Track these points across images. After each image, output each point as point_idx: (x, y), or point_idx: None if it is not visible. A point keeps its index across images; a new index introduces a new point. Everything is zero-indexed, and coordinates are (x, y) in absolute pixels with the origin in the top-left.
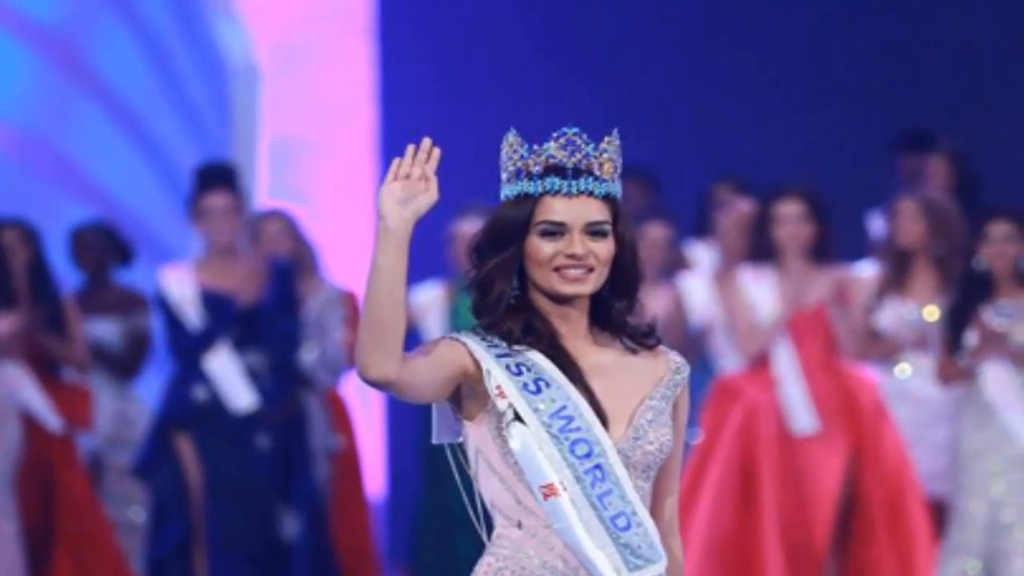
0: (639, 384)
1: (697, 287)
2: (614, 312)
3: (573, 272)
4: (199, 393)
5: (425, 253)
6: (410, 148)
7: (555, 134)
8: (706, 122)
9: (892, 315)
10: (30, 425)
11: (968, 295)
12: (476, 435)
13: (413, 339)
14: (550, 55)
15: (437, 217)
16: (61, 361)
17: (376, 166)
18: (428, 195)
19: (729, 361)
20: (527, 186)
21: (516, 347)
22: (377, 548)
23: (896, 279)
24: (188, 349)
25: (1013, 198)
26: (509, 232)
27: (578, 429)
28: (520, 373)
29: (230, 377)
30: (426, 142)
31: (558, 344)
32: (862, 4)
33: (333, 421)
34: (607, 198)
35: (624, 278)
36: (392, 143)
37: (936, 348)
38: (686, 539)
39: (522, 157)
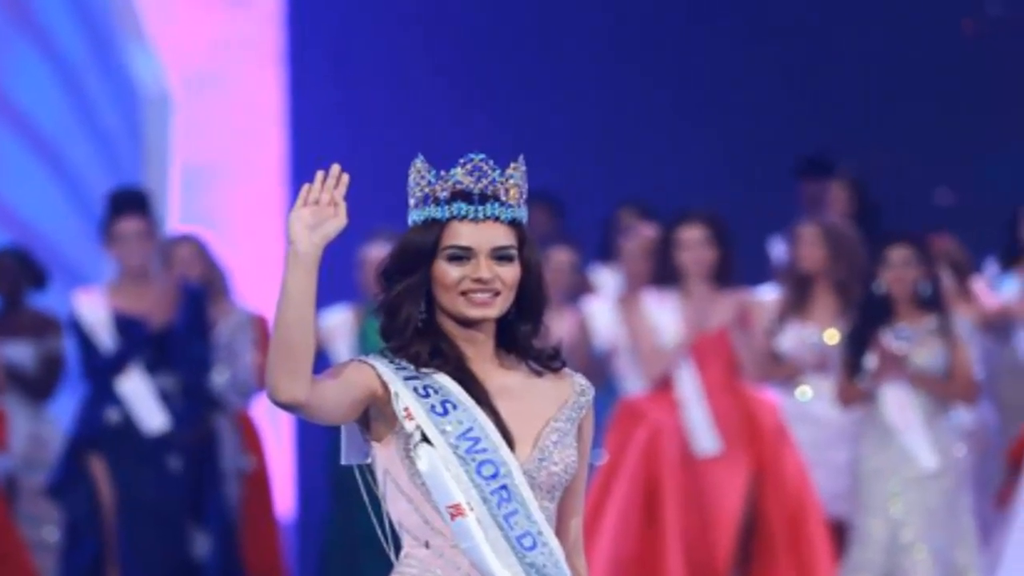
0: (544, 406)
1: (601, 311)
2: (520, 335)
3: (480, 296)
4: (112, 415)
5: (334, 277)
6: (319, 174)
7: (462, 160)
8: (610, 148)
9: (793, 338)
10: None
11: (868, 318)
12: (384, 456)
13: (322, 362)
14: (457, 83)
15: (346, 242)
16: None
17: (286, 192)
18: (337, 220)
19: (633, 383)
20: (434, 211)
21: (424, 370)
22: (286, 567)
23: (797, 303)
24: (101, 371)
25: (912, 223)
26: (417, 257)
27: (484, 450)
28: (428, 395)
29: (142, 399)
30: (335, 168)
31: (465, 367)
32: (762, 33)
33: (243, 442)
34: (513, 223)
35: (530, 302)
36: (301, 169)
37: (836, 371)
38: (591, 558)
39: (429, 183)
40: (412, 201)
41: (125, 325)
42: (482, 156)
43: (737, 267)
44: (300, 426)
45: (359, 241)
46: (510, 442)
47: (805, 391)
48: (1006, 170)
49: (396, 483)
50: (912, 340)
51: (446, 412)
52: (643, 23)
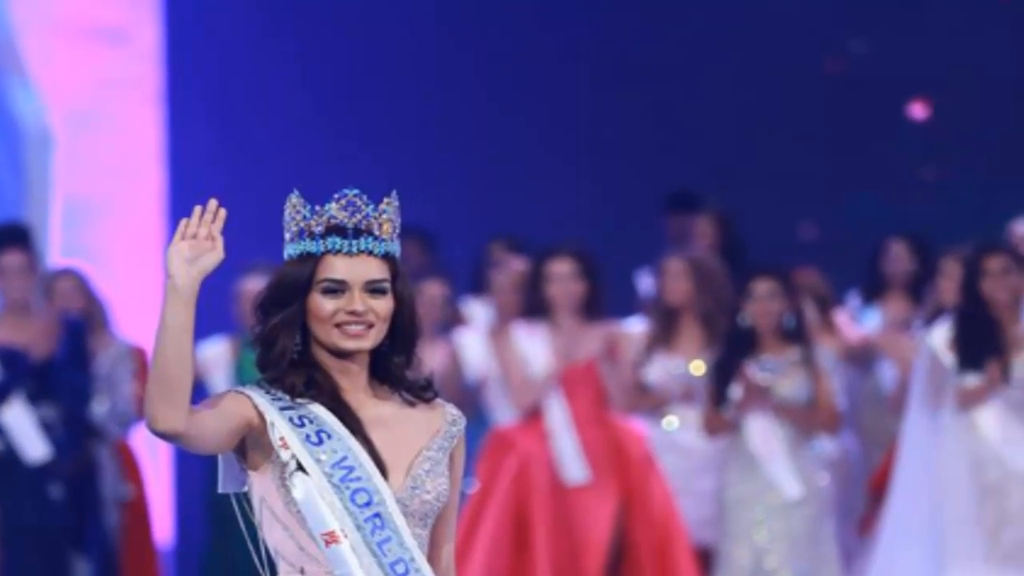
0: (417, 436)
1: (473, 342)
2: (393, 366)
3: (354, 328)
4: None
5: (211, 310)
6: (197, 209)
7: (336, 196)
8: (481, 184)
9: (660, 369)
10: None
11: (733, 350)
12: (260, 484)
13: (200, 393)
14: (331, 120)
15: (223, 275)
16: None
17: (164, 227)
18: (214, 254)
19: (503, 413)
20: (309, 245)
21: (299, 400)
22: None
23: (664, 335)
24: None
25: (776, 257)
26: (292, 290)
27: (358, 479)
28: (303, 425)
29: (24, 429)
30: (212, 203)
31: (339, 397)
32: (629, 70)
33: (123, 471)
34: (386, 257)
35: (403, 334)
36: (180, 204)
37: (702, 401)
38: None
39: (304, 218)
40: (288, 235)
41: (7, 356)
42: (356, 191)
43: (605, 300)
44: (178, 455)
45: (236, 274)
46: (383, 471)
47: (672, 421)
48: (868, 205)
49: (272, 511)
50: (776, 371)
51: (321, 441)
52: (512, 61)
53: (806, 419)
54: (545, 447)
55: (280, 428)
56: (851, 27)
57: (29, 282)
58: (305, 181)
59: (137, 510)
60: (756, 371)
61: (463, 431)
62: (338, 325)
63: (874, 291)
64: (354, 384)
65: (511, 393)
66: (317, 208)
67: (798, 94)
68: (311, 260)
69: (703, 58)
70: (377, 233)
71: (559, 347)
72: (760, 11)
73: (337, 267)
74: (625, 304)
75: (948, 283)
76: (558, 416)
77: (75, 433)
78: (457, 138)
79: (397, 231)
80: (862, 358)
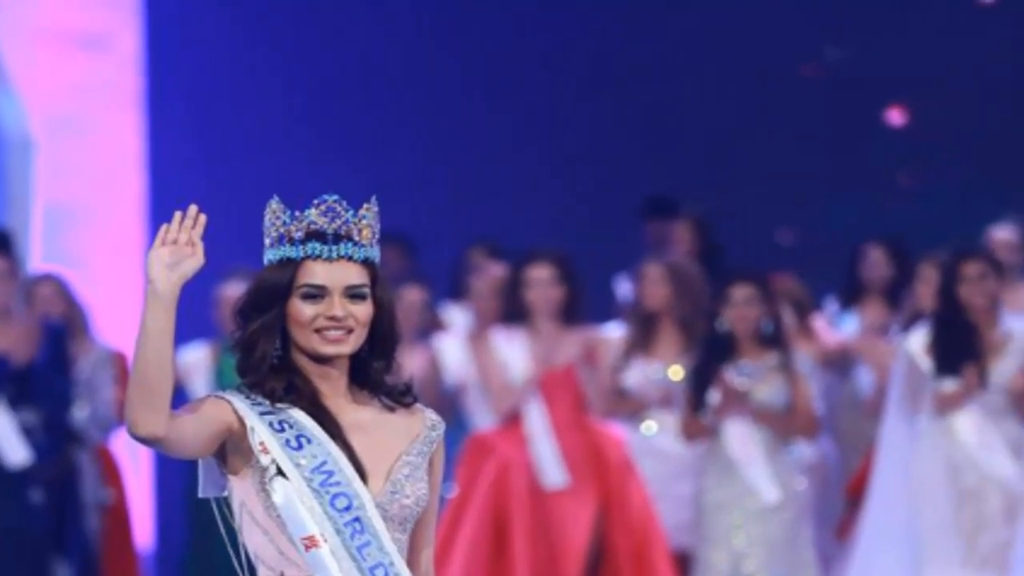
0: (396, 441)
1: (452, 348)
2: (373, 371)
3: (333, 333)
4: None
5: (192, 315)
6: (177, 215)
7: (316, 201)
8: (460, 190)
9: (638, 374)
10: None
11: (711, 355)
12: (240, 489)
13: (180, 398)
14: (311, 125)
15: (203, 280)
16: None
17: (145, 232)
18: (194, 259)
19: (482, 418)
20: (289, 251)
21: (279, 405)
22: None
23: (642, 340)
24: None
25: (754, 262)
26: (272, 295)
27: (338, 483)
28: (282, 430)
29: (5, 433)
30: (192, 209)
31: (319, 402)
32: (608, 76)
33: (103, 476)
34: (366, 262)
35: (382, 339)
36: (160, 210)
37: (680, 406)
38: None
39: (284, 223)
40: (268, 241)
41: None
42: (335, 197)
43: (584, 305)
44: (158, 460)
45: (216, 279)
46: (363, 475)
47: (650, 426)
48: (845, 210)
49: (252, 515)
50: (754, 376)
51: (300, 446)
52: (491, 66)
53: (784, 424)
54: (524, 452)
55: (260, 433)
56: (827, 32)
57: (10, 287)
58: (285, 186)
59: (117, 514)
60: (734, 376)
61: (442, 436)
62: (318, 330)
63: (852, 296)
64: (334, 389)
65: (490, 398)
66: (297, 213)
67: (775, 99)
68: (291, 265)
69: (680, 64)
70: (357, 239)
71: (538, 352)
72: (736, 16)
73: (317, 272)
74: (603, 309)
75: (925, 288)
76: (537, 421)
77: (56, 438)
78: (436, 144)
79: (376, 236)
80: (840, 363)
